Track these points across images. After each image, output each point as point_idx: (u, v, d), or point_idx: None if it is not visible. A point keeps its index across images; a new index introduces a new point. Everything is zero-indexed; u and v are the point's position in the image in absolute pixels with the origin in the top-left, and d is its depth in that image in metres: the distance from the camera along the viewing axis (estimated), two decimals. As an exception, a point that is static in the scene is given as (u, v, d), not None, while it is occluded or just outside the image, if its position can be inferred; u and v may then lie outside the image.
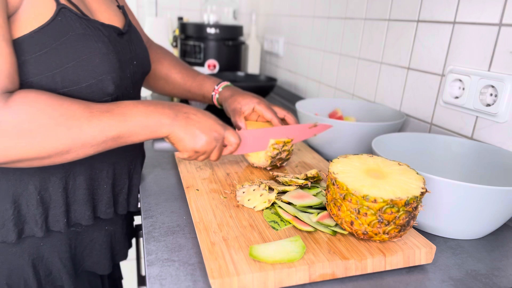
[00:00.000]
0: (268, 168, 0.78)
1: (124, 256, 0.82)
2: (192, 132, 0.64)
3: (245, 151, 0.74)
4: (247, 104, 0.80)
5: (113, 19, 0.68)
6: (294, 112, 1.41)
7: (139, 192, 0.80)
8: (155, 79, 0.92)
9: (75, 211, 0.66)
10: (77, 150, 0.54)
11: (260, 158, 0.77)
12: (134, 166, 0.76)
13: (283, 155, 0.76)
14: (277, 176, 0.72)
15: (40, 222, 0.62)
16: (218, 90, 0.88)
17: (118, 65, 0.62)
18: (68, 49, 0.55)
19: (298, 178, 0.68)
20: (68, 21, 0.56)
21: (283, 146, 0.75)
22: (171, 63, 0.92)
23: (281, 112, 0.83)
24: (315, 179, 0.71)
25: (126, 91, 0.67)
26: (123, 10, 0.74)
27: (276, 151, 0.75)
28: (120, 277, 0.94)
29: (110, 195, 0.70)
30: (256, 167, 0.79)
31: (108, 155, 0.67)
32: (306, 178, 0.69)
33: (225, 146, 0.71)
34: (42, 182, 0.61)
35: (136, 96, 0.73)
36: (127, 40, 0.69)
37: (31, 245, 0.64)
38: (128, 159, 0.74)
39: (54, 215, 0.64)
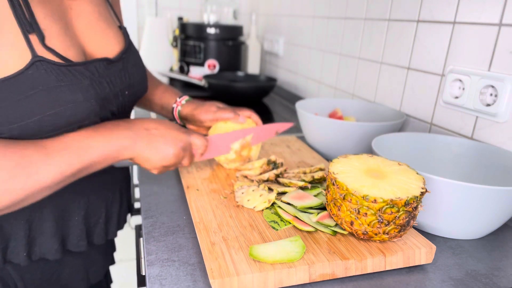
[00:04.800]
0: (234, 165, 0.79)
1: (101, 275, 0.78)
2: (157, 148, 0.60)
3: (211, 155, 0.74)
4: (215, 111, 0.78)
5: (109, 47, 0.64)
6: (294, 112, 1.41)
7: (122, 215, 0.76)
8: None
9: (41, 244, 0.62)
10: (35, 196, 0.50)
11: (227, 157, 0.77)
12: (113, 194, 0.73)
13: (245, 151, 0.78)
14: (277, 177, 0.72)
15: None
16: (180, 103, 0.83)
17: (99, 108, 0.58)
18: (34, 103, 0.50)
19: (304, 180, 0.68)
20: (41, 74, 0.50)
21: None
22: None
23: (246, 113, 0.80)
24: (320, 180, 0.71)
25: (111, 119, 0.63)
26: (124, 31, 0.69)
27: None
28: (109, 281, 0.91)
29: (82, 227, 0.66)
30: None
31: (80, 185, 0.61)
32: (312, 181, 0.69)
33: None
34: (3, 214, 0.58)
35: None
36: (120, 69, 0.64)
37: None
38: (106, 187, 0.70)
39: (14, 247, 0.60)
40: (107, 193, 0.71)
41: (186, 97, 0.84)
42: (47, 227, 0.62)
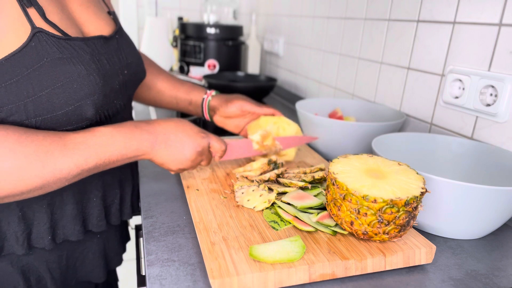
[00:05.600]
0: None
1: (119, 262, 0.81)
2: (174, 154, 0.62)
3: (232, 157, 0.76)
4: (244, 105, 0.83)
5: (103, 28, 0.65)
6: (294, 112, 1.41)
7: (134, 200, 0.79)
8: (139, 87, 0.89)
9: (64, 227, 0.64)
10: (51, 185, 0.52)
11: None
12: (125, 174, 0.75)
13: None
14: (277, 177, 0.72)
15: (22, 240, 0.60)
16: (210, 94, 0.87)
17: (102, 82, 0.59)
18: (42, 76, 0.51)
19: (304, 181, 0.68)
20: (44, 45, 0.52)
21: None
22: (156, 70, 0.90)
23: (269, 110, 0.85)
24: (320, 180, 0.71)
25: (114, 104, 0.65)
26: (114, 16, 0.72)
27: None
28: (116, 279, 0.93)
29: (101, 208, 0.69)
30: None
31: None
32: (312, 181, 0.69)
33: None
34: (25, 199, 0.58)
35: (126, 107, 0.71)
36: (115, 48, 0.66)
37: (18, 256, 0.62)
38: (117, 168, 0.72)
39: (38, 232, 0.61)
40: (120, 174, 0.73)
41: (214, 91, 0.89)
42: (68, 209, 0.64)
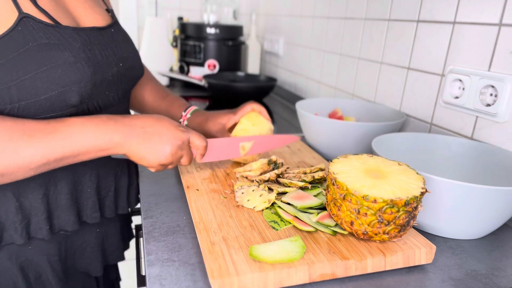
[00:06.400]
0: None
1: (118, 258, 0.81)
2: (152, 147, 0.59)
3: (216, 158, 0.74)
4: (229, 119, 0.80)
5: (99, 22, 0.65)
6: (294, 112, 1.41)
7: (130, 195, 0.79)
8: None
9: (59, 217, 0.64)
10: (14, 173, 0.51)
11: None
12: (121, 168, 0.75)
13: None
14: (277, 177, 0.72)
15: (20, 229, 0.60)
16: (186, 117, 0.84)
17: (91, 71, 0.58)
18: (27, 60, 0.52)
19: (304, 181, 0.68)
20: (30, 30, 0.52)
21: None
22: (143, 79, 0.88)
23: (249, 106, 0.81)
24: (320, 180, 0.71)
25: (106, 95, 0.64)
26: (112, 13, 0.72)
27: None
28: (118, 278, 0.93)
29: (95, 199, 0.68)
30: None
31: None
32: (312, 181, 0.69)
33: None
34: (20, 189, 0.59)
35: (121, 100, 0.71)
36: (110, 39, 0.65)
37: (17, 249, 0.62)
38: (113, 161, 0.72)
39: (36, 222, 0.62)
40: (115, 167, 0.73)
41: (192, 109, 0.84)
42: (63, 199, 0.64)
